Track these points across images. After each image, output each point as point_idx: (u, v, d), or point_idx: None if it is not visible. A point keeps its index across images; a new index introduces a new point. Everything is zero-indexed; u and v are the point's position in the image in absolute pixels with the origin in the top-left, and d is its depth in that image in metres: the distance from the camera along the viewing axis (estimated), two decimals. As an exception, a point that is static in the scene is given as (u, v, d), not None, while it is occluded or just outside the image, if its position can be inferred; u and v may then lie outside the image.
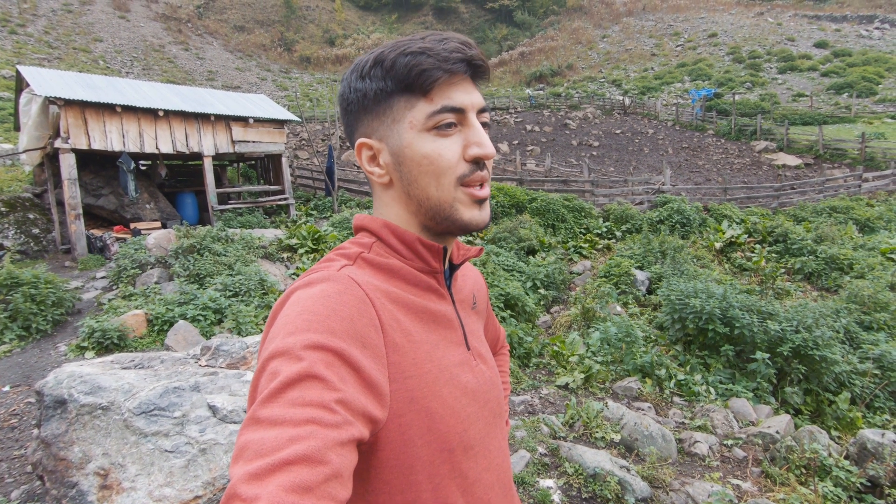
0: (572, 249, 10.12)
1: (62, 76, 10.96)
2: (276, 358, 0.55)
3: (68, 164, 9.42)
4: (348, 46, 53.74)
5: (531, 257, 8.98)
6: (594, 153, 22.93)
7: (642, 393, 4.64)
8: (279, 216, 12.92)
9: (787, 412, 4.80)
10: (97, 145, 9.82)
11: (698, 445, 3.60)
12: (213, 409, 2.52)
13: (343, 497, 0.48)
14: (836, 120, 26.17)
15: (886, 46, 39.60)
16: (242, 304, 6.07)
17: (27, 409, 4.04)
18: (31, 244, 10.09)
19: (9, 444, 3.52)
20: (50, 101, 9.27)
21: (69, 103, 9.41)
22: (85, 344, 5.20)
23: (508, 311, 6.44)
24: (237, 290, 6.33)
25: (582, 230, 11.21)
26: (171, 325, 5.47)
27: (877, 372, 5.25)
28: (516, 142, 25.08)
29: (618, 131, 27.00)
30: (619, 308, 7.05)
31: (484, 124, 0.72)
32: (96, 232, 10.29)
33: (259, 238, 8.58)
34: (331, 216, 12.12)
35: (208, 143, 11.49)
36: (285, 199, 13.13)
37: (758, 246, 10.40)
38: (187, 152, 11.23)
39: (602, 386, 4.80)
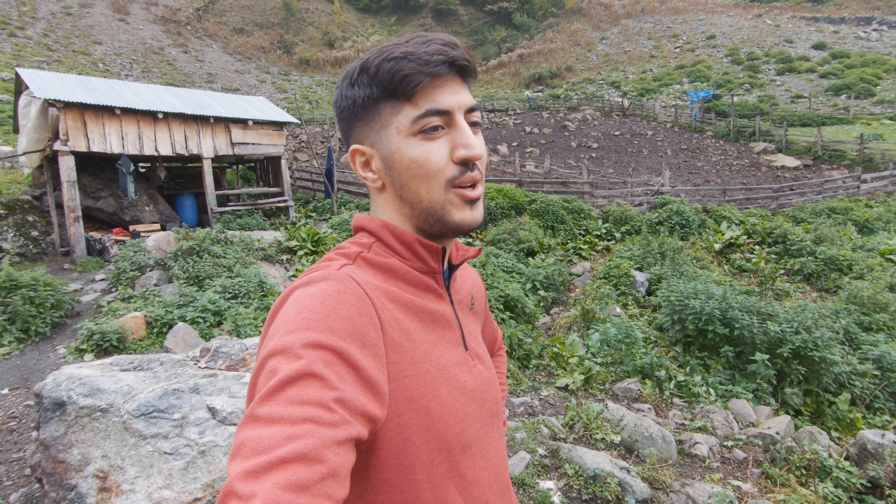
0: (572, 251, 10.12)
1: (61, 79, 10.97)
2: (274, 356, 0.55)
3: (67, 167, 9.42)
4: (348, 49, 53.79)
5: (531, 259, 8.98)
6: (593, 155, 22.96)
7: (642, 394, 4.63)
8: (278, 218, 12.92)
9: (787, 413, 4.80)
10: (96, 148, 9.82)
11: (698, 447, 3.59)
12: (212, 411, 2.51)
13: (340, 496, 0.48)
14: (835, 121, 26.22)
15: (884, 48, 39.69)
16: (242, 306, 6.06)
17: (26, 411, 4.03)
18: (30, 246, 10.08)
19: (7, 446, 3.51)
20: (49, 103, 9.27)
21: (68, 106, 9.41)
22: (84, 346, 5.19)
23: (508, 313, 6.43)
24: (236, 292, 6.33)
25: (581, 231, 11.21)
26: (171, 327, 5.46)
27: (876, 373, 5.25)
28: (515, 143, 25.11)
29: (617, 133, 27.04)
30: (618, 309, 7.04)
31: (474, 124, 0.72)
32: (95, 234, 10.28)
33: (258, 240, 8.58)
34: (330, 218, 12.12)
35: (207, 145, 11.49)
36: (284, 201, 13.14)
37: (757, 247, 10.40)
38: (186, 154, 11.23)
39: (602, 387, 4.79)
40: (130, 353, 5.08)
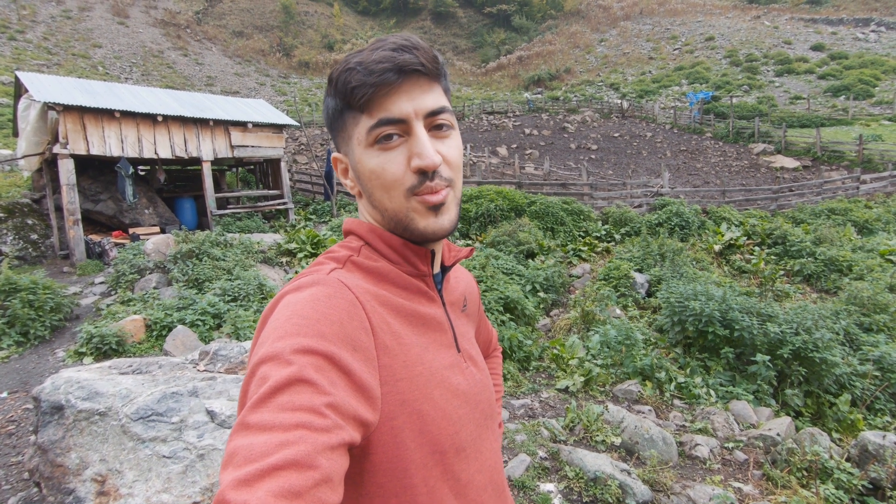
0: (571, 252, 10.12)
1: (61, 82, 10.98)
2: (265, 363, 0.54)
3: (67, 170, 9.42)
4: (347, 51, 53.80)
5: (530, 261, 8.98)
6: (592, 156, 22.98)
7: (642, 396, 4.62)
8: (278, 221, 12.91)
9: (788, 414, 4.78)
10: (96, 151, 9.82)
11: (699, 448, 3.58)
12: (211, 415, 2.51)
13: (333, 501, 0.47)
14: (834, 122, 26.26)
15: (882, 49, 39.77)
16: (241, 308, 6.05)
17: (24, 415, 4.02)
18: (30, 250, 10.08)
19: (6, 450, 3.50)
20: (48, 106, 9.28)
21: (68, 109, 9.41)
22: (83, 349, 5.18)
23: (508, 315, 6.42)
24: (236, 294, 6.32)
25: (581, 233, 11.20)
26: (170, 330, 5.45)
27: (877, 374, 5.24)
28: (515, 145, 25.14)
29: (616, 134, 27.07)
30: (618, 311, 7.03)
31: (440, 126, 0.69)
32: (95, 237, 10.28)
33: (258, 243, 8.58)
34: (330, 220, 12.13)
35: (207, 148, 11.50)
36: (284, 203, 13.13)
37: (757, 248, 10.40)
38: (186, 157, 11.23)
39: (602, 389, 4.78)
40: (129, 357, 5.07)
